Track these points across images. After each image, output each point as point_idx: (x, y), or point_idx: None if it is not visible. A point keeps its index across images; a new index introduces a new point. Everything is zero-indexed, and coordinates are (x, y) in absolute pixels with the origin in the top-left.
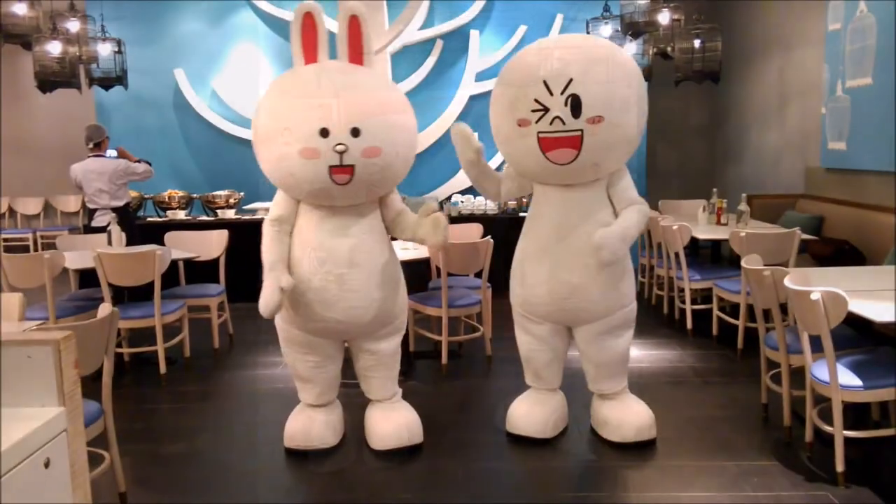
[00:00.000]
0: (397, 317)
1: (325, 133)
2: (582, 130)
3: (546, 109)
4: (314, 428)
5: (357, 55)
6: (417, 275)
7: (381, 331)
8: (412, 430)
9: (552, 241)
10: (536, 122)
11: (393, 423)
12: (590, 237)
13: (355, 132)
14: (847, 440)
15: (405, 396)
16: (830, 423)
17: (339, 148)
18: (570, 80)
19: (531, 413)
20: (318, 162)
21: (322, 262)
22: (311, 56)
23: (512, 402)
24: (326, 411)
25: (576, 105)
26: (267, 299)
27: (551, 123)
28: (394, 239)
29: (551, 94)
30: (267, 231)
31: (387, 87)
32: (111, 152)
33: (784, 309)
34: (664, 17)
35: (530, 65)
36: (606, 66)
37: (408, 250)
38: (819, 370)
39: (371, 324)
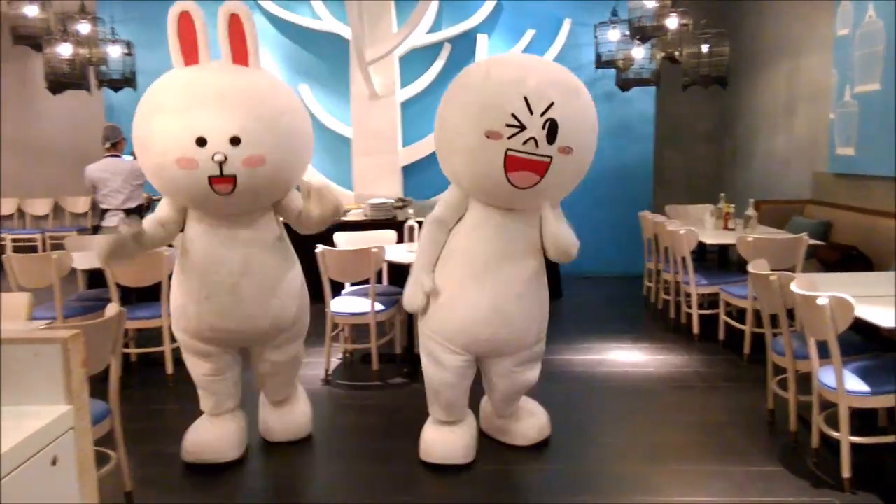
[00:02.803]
0: (295, 322)
1: (202, 142)
2: (552, 157)
3: (522, 128)
4: (208, 441)
5: (240, 55)
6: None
7: (280, 337)
8: (303, 423)
9: (490, 266)
10: (509, 137)
11: (286, 420)
12: (525, 264)
13: (235, 140)
14: (853, 446)
15: (411, 398)
16: (837, 429)
17: (218, 157)
18: (552, 104)
19: (446, 440)
20: (196, 172)
21: (213, 272)
22: (191, 58)
23: (422, 429)
24: (223, 424)
25: (552, 130)
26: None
27: (524, 143)
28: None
29: (531, 112)
30: (149, 229)
31: (271, 88)
32: (127, 157)
33: (791, 314)
34: (672, 22)
35: (510, 77)
36: (580, 100)
37: (414, 253)
38: (826, 376)
39: (268, 332)
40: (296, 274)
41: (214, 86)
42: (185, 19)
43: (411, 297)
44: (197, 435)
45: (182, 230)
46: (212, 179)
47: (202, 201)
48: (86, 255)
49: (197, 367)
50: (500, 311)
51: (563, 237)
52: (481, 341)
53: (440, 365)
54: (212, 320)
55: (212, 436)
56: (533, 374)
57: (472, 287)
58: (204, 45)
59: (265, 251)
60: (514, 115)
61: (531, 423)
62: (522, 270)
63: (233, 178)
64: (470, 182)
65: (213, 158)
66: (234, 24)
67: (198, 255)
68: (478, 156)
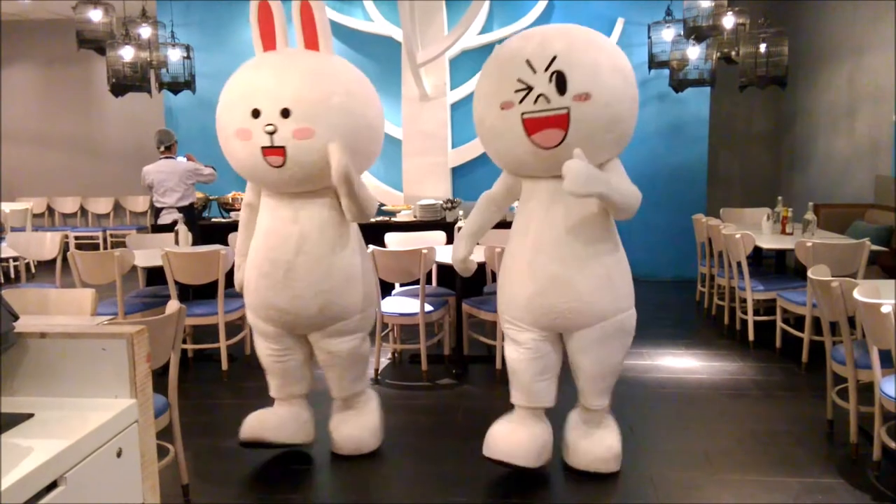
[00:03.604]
0: (352, 314)
1: (256, 114)
2: (568, 108)
3: (530, 88)
4: (269, 420)
5: (311, 42)
6: (473, 279)
7: (332, 327)
8: (365, 437)
9: (545, 238)
10: (520, 102)
11: (350, 429)
12: (586, 231)
13: (285, 112)
14: None
15: (460, 399)
16: None
17: (268, 128)
18: (555, 57)
19: (512, 438)
20: (251, 143)
21: (272, 248)
22: (269, 44)
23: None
24: (286, 408)
25: (561, 81)
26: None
27: (535, 102)
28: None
29: (534, 71)
30: (240, 215)
31: (332, 69)
32: (181, 158)
33: (852, 322)
34: (729, 21)
35: (512, 49)
36: (593, 48)
37: None
38: (888, 386)
39: (318, 316)
40: (354, 263)
41: (276, 64)
42: (265, 8)
43: (452, 254)
44: (258, 415)
45: None
46: (264, 150)
47: (260, 175)
48: (146, 252)
49: (261, 347)
50: (559, 280)
51: (613, 190)
52: (546, 313)
53: (515, 343)
54: (268, 297)
55: (273, 417)
56: (617, 352)
57: (530, 261)
58: (282, 32)
59: (323, 234)
60: (519, 80)
61: (595, 451)
62: (584, 237)
63: (282, 150)
64: (506, 160)
65: (264, 128)
66: (305, 11)
67: (261, 232)
68: (501, 131)
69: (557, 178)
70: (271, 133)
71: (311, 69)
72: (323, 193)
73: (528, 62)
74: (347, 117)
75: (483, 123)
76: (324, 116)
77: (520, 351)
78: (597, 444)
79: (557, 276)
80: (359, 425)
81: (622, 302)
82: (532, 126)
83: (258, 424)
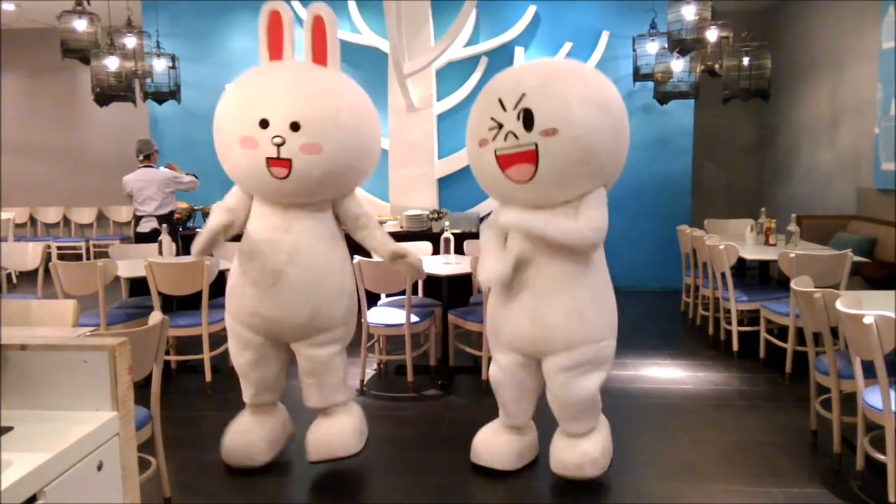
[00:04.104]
0: (338, 326)
1: (264, 124)
2: (536, 143)
3: (500, 126)
4: (243, 444)
5: (320, 56)
6: (459, 290)
7: (318, 337)
8: (340, 440)
9: (523, 265)
10: (493, 139)
11: (323, 432)
12: (547, 262)
13: (295, 126)
14: None
15: (445, 410)
16: (883, 452)
17: (276, 140)
18: (523, 95)
19: (493, 443)
20: (256, 152)
21: (261, 255)
22: (276, 54)
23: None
24: (260, 421)
25: (528, 118)
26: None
27: (505, 139)
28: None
29: (505, 109)
30: (215, 215)
31: (339, 87)
32: (162, 168)
33: (835, 332)
34: (712, 35)
35: (490, 88)
36: (566, 83)
37: (450, 265)
38: (871, 396)
39: (305, 326)
40: (344, 275)
41: (284, 76)
42: (275, 17)
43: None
44: (234, 436)
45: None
46: (269, 161)
47: (260, 184)
48: (129, 263)
49: (238, 355)
50: (527, 308)
51: (550, 228)
52: (517, 338)
53: (497, 363)
54: (253, 304)
55: (249, 437)
56: (587, 382)
57: (509, 286)
58: (289, 43)
59: (315, 244)
60: (492, 119)
61: (580, 447)
62: (553, 269)
63: (288, 162)
64: (494, 193)
65: (272, 140)
66: (318, 26)
67: (251, 239)
68: (479, 165)
69: (539, 209)
70: (279, 145)
71: (322, 85)
72: (318, 205)
73: (500, 101)
74: (353, 134)
75: (470, 159)
76: (332, 133)
77: (500, 372)
78: (573, 449)
79: (526, 305)
80: (334, 429)
81: (595, 333)
82: (504, 162)
83: (233, 449)
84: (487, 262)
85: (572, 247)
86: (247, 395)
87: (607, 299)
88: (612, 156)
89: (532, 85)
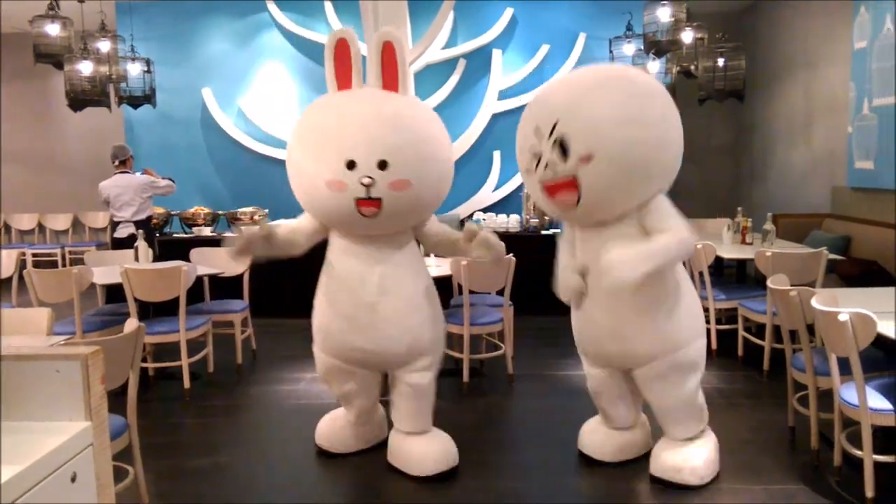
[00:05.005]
0: (433, 351)
1: (351, 165)
2: (575, 173)
3: (540, 157)
4: (342, 433)
5: (391, 82)
6: (439, 293)
7: (416, 363)
8: (448, 454)
9: (592, 284)
10: (535, 169)
11: (426, 448)
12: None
13: (382, 164)
14: (877, 464)
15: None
16: (859, 447)
17: (366, 181)
18: (557, 122)
19: (595, 434)
20: (345, 195)
21: (352, 290)
22: (345, 82)
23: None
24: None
25: (563, 147)
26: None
27: (546, 170)
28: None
29: (541, 137)
30: (286, 225)
31: (420, 116)
32: (137, 173)
33: (811, 330)
34: (687, 36)
35: (527, 115)
36: (595, 103)
37: (430, 267)
38: (847, 393)
39: (405, 354)
40: (434, 299)
41: (365, 111)
42: (342, 45)
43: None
44: (329, 427)
45: (317, 247)
46: (358, 202)
47: (347, 223)
48: (105, 269)
49: (340, 387)
50: (598, 324)
51: (657, 257)
52: (600, 356)
53: (588, 374)
54: (353, 339)
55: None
56: (682, 386)
57: (585, 307)
58: (358, 71)
59: (404, 272)
60: (531, 150)
61: (682, 453)
62: (630, 294)
63: (379, 201)
64: (548, 211)
65: (360, 181)
66: (388, 51)
67: (340, 275)
68: (532, 190)
69: (601, 225)
70: (368, 185)
71: (402, 116)
72: (402, 233)
73: (537, 129)
74: (436, 164)
75: (524, 181)
76: (419, 166)
77: (593, 382)
78: (673, 452)
79: (603, 325)
80: (432, 447)
81: (677, 339)
82: (550, 191)
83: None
84: (560, 277)
85: (685, 257)
86: (350, 416)
87: (686, 301)
88: (658, 164)
89: (563, 108)
